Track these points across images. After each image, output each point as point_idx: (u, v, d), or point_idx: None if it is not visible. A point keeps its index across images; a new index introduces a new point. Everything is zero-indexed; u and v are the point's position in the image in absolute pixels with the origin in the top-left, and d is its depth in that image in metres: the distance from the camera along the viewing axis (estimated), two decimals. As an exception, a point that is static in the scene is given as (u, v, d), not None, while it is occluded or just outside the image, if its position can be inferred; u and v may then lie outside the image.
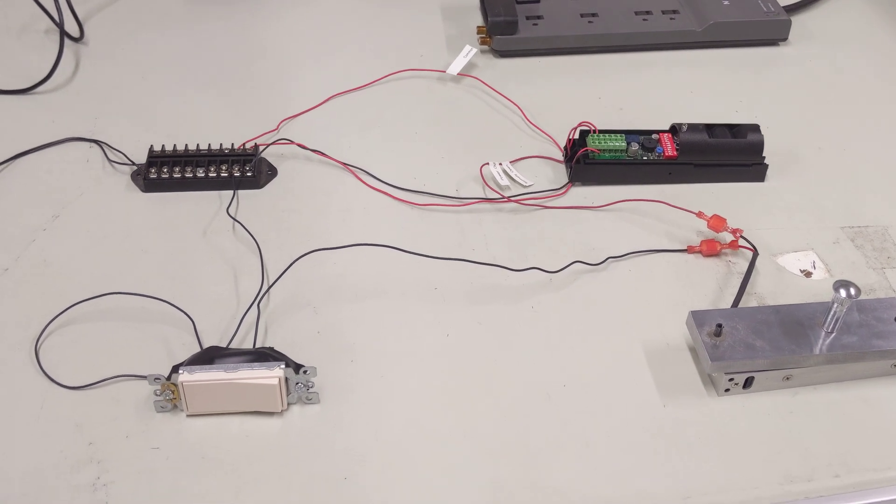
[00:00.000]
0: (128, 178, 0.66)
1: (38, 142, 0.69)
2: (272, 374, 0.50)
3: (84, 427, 0.51)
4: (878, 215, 0.66)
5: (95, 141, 0.69)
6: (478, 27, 0.81)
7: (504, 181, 0.67)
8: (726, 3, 0.82)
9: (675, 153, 0.67)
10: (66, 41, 0.78)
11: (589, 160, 0.67)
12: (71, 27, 0.79)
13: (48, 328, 0.55)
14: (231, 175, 0.65)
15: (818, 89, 0.78)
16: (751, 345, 0.53)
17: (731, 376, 0.53)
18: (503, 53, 0.80)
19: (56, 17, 0.77)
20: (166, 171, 0.65)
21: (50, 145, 0.69)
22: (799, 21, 0.85)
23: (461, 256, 0.60)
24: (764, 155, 0.67)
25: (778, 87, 0.78)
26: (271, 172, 0.67)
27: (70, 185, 0.66)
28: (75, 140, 0.69)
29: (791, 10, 0.85)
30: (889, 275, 0.61)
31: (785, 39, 0.82)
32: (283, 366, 0.50)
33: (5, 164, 0.67)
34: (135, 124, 0.71)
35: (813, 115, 0.75)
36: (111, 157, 0.68)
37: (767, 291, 0.60)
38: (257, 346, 0.54)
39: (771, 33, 0.82)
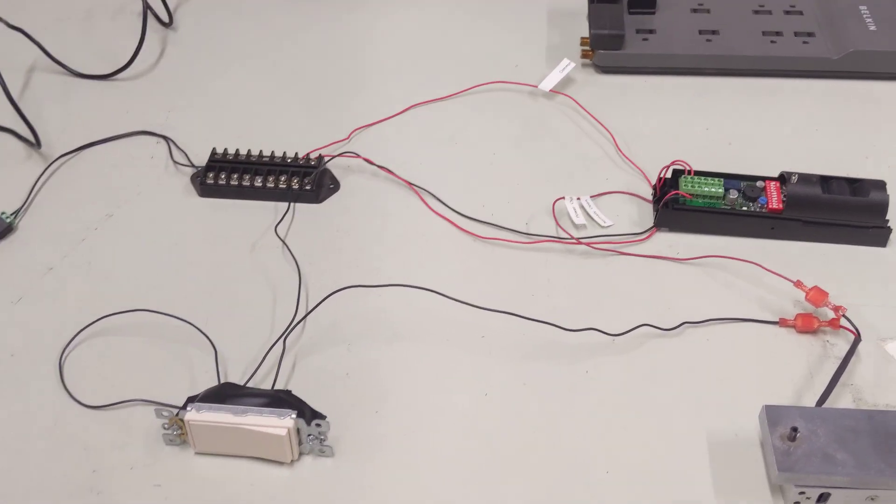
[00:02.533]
0: (188, 179, 0.64)
1: (110, 132, 0.68)
2: (281, 424, 0.46)
3: (91, 451, 0.49)
4: None
5: (164, 137, 0.67)
6: (582, 38, 0.73)
7: (579, 219, 0.60)
8: (873, 28, 0.71)
9: (781, 206, 0.58)
10: (156, 26, 0.76)
11: (679, 205, 0.59)
12: (161, 11, 0.77)
13: (77, 338, 0.54)
14: (290, 187, 0.62)
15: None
16: (830, 456, 0.45)
17: (802, 489, 0.45)
18: (606, 69, 0.72)
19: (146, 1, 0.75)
20: (224, 177, 0.62)
21: (120, 137, 0.67)
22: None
23: (520, 300, 0.55)
24: (888, 218, 0.58)
25: (923, 131, 0.67)
26: (333, 186, 0.63)
27: (130, 182, 0.64)
28: (145, 134, 0.67)
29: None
30: None
31: (941, 75, 0.71)
32: (294, 415, 0.47)
33: (75, 154, 0.66)
34: (205, 121, 0.69)
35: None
36: (175, 156, 0.66)
37: (867, 384, 0.51)
38: (277, 386, 0.50)
39: (924, 67, 0.70)
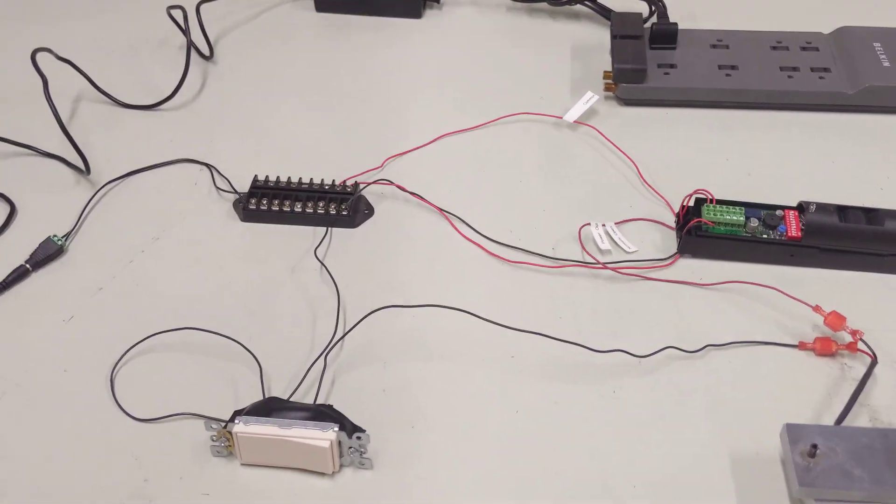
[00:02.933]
0: (230, 205, 0.67)
1: (155, 160, 0.71)
2: (324, 437, 0.49)
3: (142, 461, 0.51)
4: None
5: (207, 165, 0.70)
6: (605, 72, 0.76)
7: (605, 245, 0.63)
8: (887, 64, 0.74)
9: (800, 234, 0.61)
10: (197, 60, 0.80)
11: (701, 232, 0.62)
12: (202, 45, 0.81)
13: (127, 355, 0.57)
14: (327, 213, 0.65)
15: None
16: (848, 472, 0.47)
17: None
18: (628, 102, 0.75)
19: (190, 34, 0.79)
20: (265, 202, 0.65)
21: (164, 164, 0.70)
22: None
23: (548, 322, 0.57)
24: (903, 246, 0.60)
25: (937, 163, 0.70)
26: (368, 212, 0.66)
27: (175, 207, 0.67)
28: (188, 161, 0.71)
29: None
30: None
31: (954, 109, 0.73)
32: (336, 428, 0.49)
33: (121, 180, 0.69)
34: (247, 149, 0.72)
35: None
36: (218, 182, 0.69)
37: (883, 406, 0.53)
38: (319, 401, 0.53)
39: (937, 101, 0.73)
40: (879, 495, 0.46)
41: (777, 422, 0.51)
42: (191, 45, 0.78)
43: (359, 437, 0.49)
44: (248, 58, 0.82)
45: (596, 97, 0.74)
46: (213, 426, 0.50)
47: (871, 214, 0.61)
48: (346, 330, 0.57)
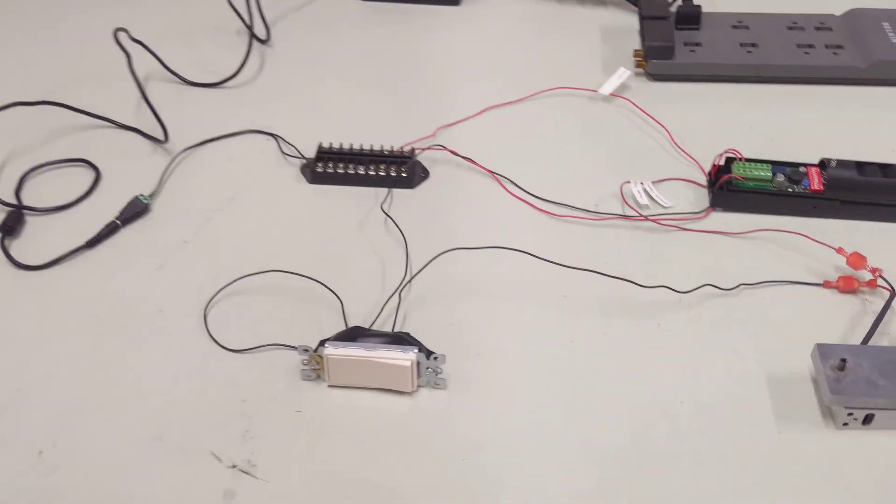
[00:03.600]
0: (297, 170, 0.73)
1: (223, 131, 0.77)
2: (406, 357, 0.55)
3: (239, 386, 0.57)
4: None
5: (272, 134, 0.76)
6: (634, 51, 0.83)
7: (644, 200, 0.69)
8: (895, 40, 0.80)
9: (822, 188, 0.67)
10: (254, 42, 0.86)
11: (732, 187, 0.68)
12: (259, 30, 0.87)
13: (216, 296, 0.62)
14: (388, 175, 0.71)
15: None
16: (874, 382, 0.53)
17: (850, 411, 0.53)
18: (657, 77, 0.82)
19: (247, 20, 0.85)
20: (331, 166, 0.71)
21: (233, 135, 0.77)
22: (975, 63, 0.82)
23: (596, 266, 0.63)
24: (916, 196, 0.66)
25: (943, 129, 0.76)
26: (424, 175, 0.72)
27: (247, 172, 0.73)
28: (255, 132, 0.77)
29: (967, 51, 0.82)
30: None
31: (956, 81, 0.80)
32: (416, 350, 0.55)
33: (194, 149, 0.75)
34: (307, 122, 0.78)
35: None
36: (284, 149, 0.75)
37: (903, 334, 0.59)
38: (395, 330, 0.59)
39: (942, 74, 0.80)
40: (902, 402, 0.52)
41: (806, 347, 0.57)
42: (251, 28, 0.84)
43: (435, 358, 0.55)
44: (301, 41, 0.88)
45: (629, 73, 0.80)
46: (305, 350, 0.56)
47: (886, 169, 0.67)
48: (416, 272, 0.63)
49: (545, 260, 0.62)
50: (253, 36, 0.85)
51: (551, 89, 0.81)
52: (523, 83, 0.81)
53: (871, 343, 0.58)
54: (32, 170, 0.73)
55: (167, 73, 0.82)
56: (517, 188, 0.71)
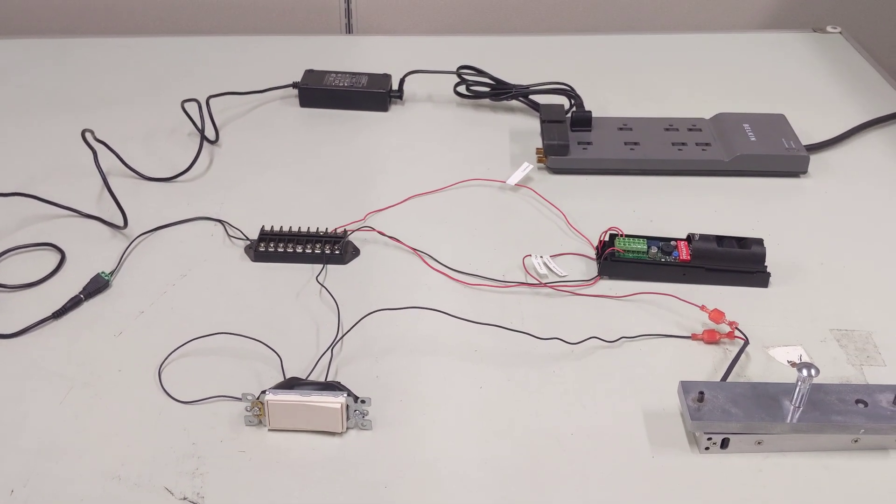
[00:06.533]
0: (242, 250, 0.83)
1: (176, 218, 0.87)
2: (336, 401, 0.64)
3: (189, 431, 0.65)
4: (865, 322, 0.76)
5: (220, 220, 0.87)
6: (537, 148, 0.97)
7: (543, 270, 0.80)
8: (753, 138, 0.95)
9: (689, 258, 0.80)
10: (205, 143, 0.97)
11: (615, 258, 0.80)
12: (210, 132, 0.98)
13: (170, 357, 0.71)
14: (323, 252, 0.82)
15: (828, 215, 0.90)
16: (727, 411, 0.64)
17: (709, 436, 0.64)
18: (556, 171, 0.95)
19: (199, 124, 0.97)
20: (272, 246, 0.82)
21: (185, 221, 0.87)
22: (821, 158, 0.98)
23: (500, 324, 0.74)
24: (766, 264, 0.79)
25: (792, 212, 0.90)
26: (355, 253, 0.83)
27: (197, 252, 0.83)
28: (205, 219, 0.87)
29: (813, 148, 0.98)
30: (865, 370, 0.71)
31: (805, 172, 0.95)
32: (345, 395, 0.64)
33: (150, 233, 0.85)
34: (251, 209, 0.89)
35: (820, 235, 0.87)
36: (230, 233, 0.85)
37: (756, 375, 0.71)
38: (328, 379, 0.68)
39: (791, 167, 0.94)
40: (752, 426, 0.63)
41: (676, 388, 0.68)
42: (202, 131, 0.96)
43: (363, 402, 0.65)
44: (247, 141, 1.00)
45: (531, 166, 0.93)
46: (249, 397, 0.65)
47: (741, 242, 0.80)
48: (346, 331, 0.73)
49: (459, 318, 0.73)
50: (204, 137, 0.97)
51: (466, 180, 0.93)
52: (442, 175, 0.94)
53: (727, 380, 0.69)
54: (4, 252, 0.82)
55: (126, 168, 0.92)
56: (436, 262, 0.82)
